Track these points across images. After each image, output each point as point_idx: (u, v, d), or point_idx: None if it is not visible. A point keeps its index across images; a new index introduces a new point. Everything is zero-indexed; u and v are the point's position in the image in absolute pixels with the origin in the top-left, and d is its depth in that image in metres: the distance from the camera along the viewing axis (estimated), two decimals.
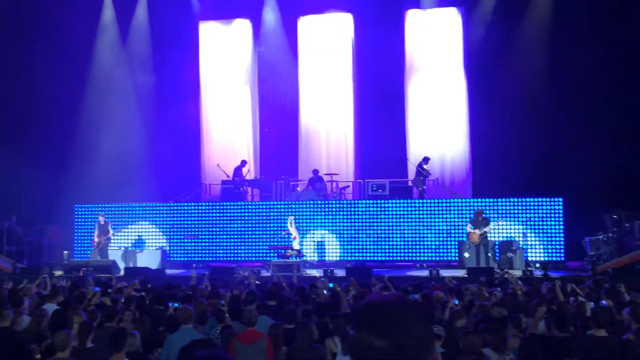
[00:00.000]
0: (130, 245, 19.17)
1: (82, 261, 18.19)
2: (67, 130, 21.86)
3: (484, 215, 16.73)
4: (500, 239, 17.33)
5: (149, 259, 18.13)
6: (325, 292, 10.07)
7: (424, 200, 18.57)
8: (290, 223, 17.41)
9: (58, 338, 5.93)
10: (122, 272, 17.00)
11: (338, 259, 18.38)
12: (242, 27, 22.89)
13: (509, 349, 6.32)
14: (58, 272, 17.01)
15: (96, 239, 18.26)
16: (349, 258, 18.32)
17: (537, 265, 16.73)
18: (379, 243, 18.30)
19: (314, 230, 18.53)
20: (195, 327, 7.07)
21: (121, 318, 7.70)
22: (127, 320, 7.71)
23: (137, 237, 19.41)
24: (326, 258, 18.38)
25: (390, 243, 18.26)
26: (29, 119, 21.11)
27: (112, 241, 18.61)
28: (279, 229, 18.28)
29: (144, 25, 23.02)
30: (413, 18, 21.70)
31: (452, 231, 17.92)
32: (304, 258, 17.52)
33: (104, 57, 22.89)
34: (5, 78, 21.13)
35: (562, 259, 17.37)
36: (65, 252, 19.19)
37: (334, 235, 18.53)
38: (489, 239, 16.62)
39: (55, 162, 21.31)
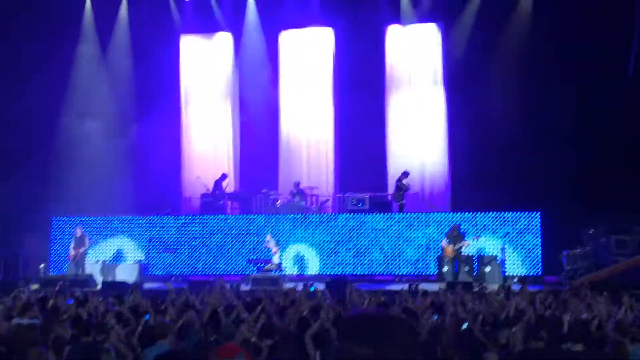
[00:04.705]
0: (108, 258, 18.97)
1: (58, 275, 17.95)
2: (44, 140, 21.59)
3: (459, 231, 16.86)
4: (478, 253, 17.41)
5: (127, 273, 17.95)
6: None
7: (403, 214, 18.62)
8: (268, 240, 17.44)
9: (32, 354, 5.82)
10: (99, 287, 16.81)
11: (318, 272, 18.35)
12: (223, 40, 22.87)
13: None
14: (34, 286, 16.77)
15: (72, 252, 18.06)
16: (329, 272, 18.31)
17: (515, 279, 16.80)
18: (359, 257, 18.30)
19: (293, 244, 18.49)
20: (173, 342, 6.98)
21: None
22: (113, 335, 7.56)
23: (115, 251, 19.22)
24: (306, 272, 18.33)
25: (370, 257, 18.27)
26: (5, 128, 20.80)
27: (88, 254, 18.40)
28: (259, 242, 18.23)
29: (125, 36, 22.87)
30: (393, 33, 21.82)
31: (432, 245, 17.97)
32: (284, 272, 17.46)
33: (84, 67, 22.65)
34: None
35: (540, 273, 17.48)
36: (42, 265, 18.94)
37: (314, 249, 18.50)
38: (464, 253, 16.74)
39: (33, 174, 21.05)
